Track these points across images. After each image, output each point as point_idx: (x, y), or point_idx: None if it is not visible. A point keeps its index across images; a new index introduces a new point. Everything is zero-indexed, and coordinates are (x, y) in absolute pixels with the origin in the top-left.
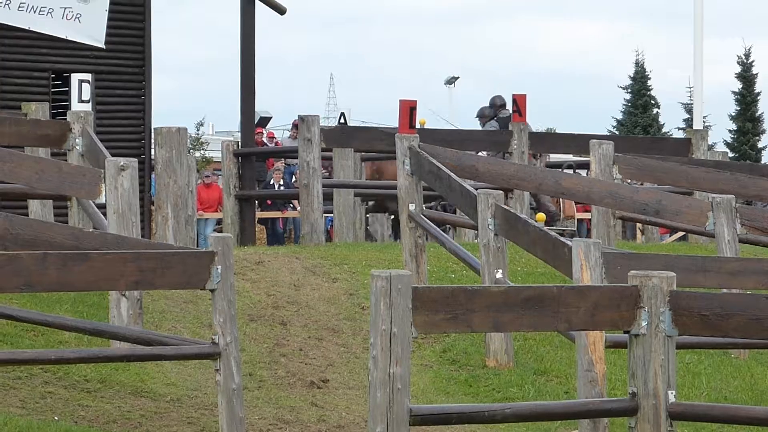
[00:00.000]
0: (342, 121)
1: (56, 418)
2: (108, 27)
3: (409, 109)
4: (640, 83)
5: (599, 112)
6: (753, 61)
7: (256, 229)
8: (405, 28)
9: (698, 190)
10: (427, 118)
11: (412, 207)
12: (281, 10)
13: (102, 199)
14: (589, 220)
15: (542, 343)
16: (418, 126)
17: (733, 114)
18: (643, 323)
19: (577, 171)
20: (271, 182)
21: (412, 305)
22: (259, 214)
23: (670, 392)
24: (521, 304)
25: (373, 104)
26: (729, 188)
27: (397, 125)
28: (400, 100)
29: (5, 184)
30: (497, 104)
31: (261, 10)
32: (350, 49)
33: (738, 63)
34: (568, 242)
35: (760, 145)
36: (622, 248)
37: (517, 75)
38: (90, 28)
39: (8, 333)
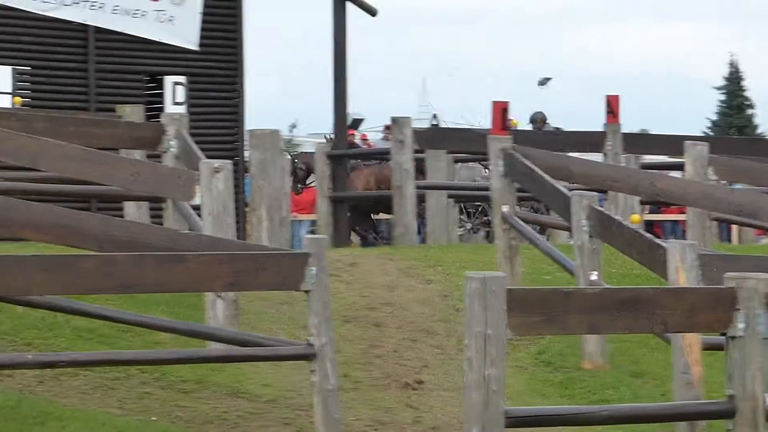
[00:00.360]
0: (434, 122)
1: (154, 418)
2: (201, 29)
3: (501, 111)
4: (734, 84)
5: (693, 114)
6: None
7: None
8: (497, 29)
9: None
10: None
11: (505, 209)
12: (373, 12)
13: (197, 201)
14: (685, 221)
15: (638, 345)
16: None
17: None
18: (740, 325)
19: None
20: None
21: (507, 307)
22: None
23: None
24: (616, 306)
25: (465, 106)
26: None
27: (489, 126)
28: (492, 102)
29: (101, 186)
30: (539, 119)
31: (352, 12)
32: (442, 50)
33: None
34: (664, 244)
35: None
36: (717, 250)
37: (610, 76)
38: (184, 30)
39: (106, 334)
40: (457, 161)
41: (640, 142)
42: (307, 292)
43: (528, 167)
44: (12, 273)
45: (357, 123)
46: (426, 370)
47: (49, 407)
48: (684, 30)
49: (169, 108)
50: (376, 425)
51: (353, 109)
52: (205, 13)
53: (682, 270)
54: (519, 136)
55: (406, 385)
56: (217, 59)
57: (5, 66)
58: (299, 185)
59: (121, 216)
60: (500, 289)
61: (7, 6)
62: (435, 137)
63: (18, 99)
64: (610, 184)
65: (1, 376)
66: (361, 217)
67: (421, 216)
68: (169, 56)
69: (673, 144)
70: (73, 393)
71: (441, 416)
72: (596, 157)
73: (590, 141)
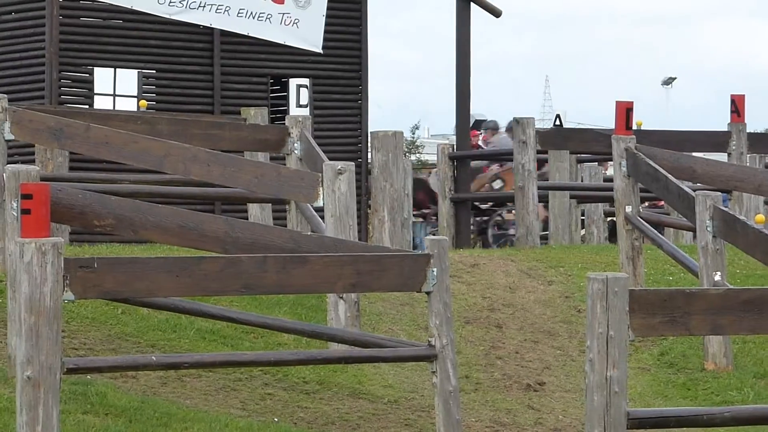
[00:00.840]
0: (557, 123)
1: (276, 419)
2: (325, 32)
3: (625, 110)
4: None
5: None
6: None
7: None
8: (621, 29)
9: None
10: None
11: (628, 209)
12: (496, 13)
13: (320, 203)
14: None
15: (763, 345)
16: (634, 127)
17: None
18: None
19: None
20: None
21: (629, 308)
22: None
23: None
24: (741, 307)
25: (588, 106)
26: None
27: (613, 127)
28: (616, 102)
29: (225, 188)
30: (490, 128)
31: (476, 13)
32: (565, 50)
33: None
34: None
35: None
36: None
37: (734, 75)
38: (308, 33)
39: (229, 335)
40: (580, 161)
41: (765, 141)
42: (428, 293)
43: (652, 167)
44: (137, 275)
45: (480, 124)
46: (547, 372)
47: (173, 408)
48: None
49: (293, 110)
50: (496, 426)
51: (476, 110)
52: (328, 16)
53: None
54: (643, 136)
55: (527, 387)
56: (341, 61)
57: (131, 69)
58: (423, 210)
59: (245, 218)
60: (622, 290)
61: (134, 10)
62: (557, 138)
63: (144, 102)
64: (735, 184)
65: (125, 378)
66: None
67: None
68: (294, 59)
69: None
70: (197, 394)
71: (562, 418)
72: (720, 157)
73: (714, 141)
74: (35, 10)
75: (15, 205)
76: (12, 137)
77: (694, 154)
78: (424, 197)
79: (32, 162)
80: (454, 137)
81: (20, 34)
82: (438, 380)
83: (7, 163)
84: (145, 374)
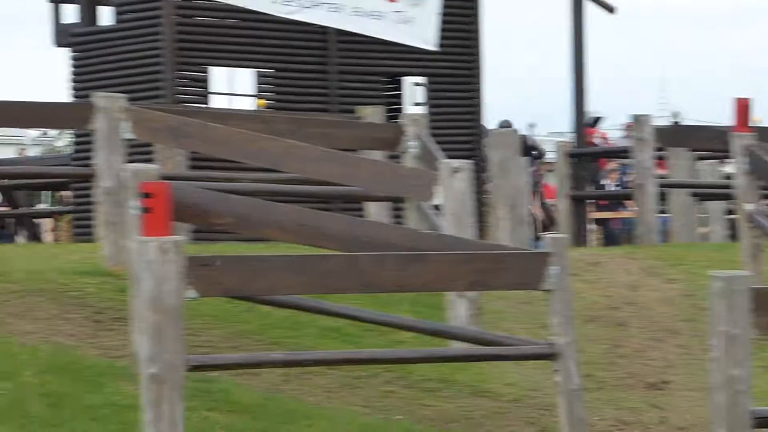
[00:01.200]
0: (675, 120)
1: (398, 417)
2: (439, 29)
3: (744, 107)
4: None
5: None
6: None
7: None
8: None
9: None
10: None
11: (749, 207)
12: (611, 9)
13: (437, 201)
14: None
15: None
16: (753, 124)
17: None
18: None
19: None
20: (602, 182)
21: (752, 306)
22: (595, 215)
23: None
24: None
25: (706, 103)
26: None
27: (731, 124)
28: (735, 98)
29: (343, 186)
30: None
31: (590, 10)
32: (682, 46)
33: None
34: None
35: None
36: None
37: None
38: (422, 31)
39: (350, 333)
40: (698, 159)
41: None
42: (548, 291)
43: None
44: (258, 273)
45: (596, 121)
46: (671, 370)
47: (296, 405)
48: None
49: (409, 109)
50: (620, 425)
51: (592, 107)
52: (442, 14)
53: None
54: (763, 133)
55: (650, 385)
56: (456, 59)
57: (248, 69)
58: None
59: (363, 216)
60: (745, 288)
61: (249, 9)
62: (676, 135)
63: (261, 101)
64: None
65: (248, 375)
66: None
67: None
68: (409, 57)
69: None
70: (319, 391)
71: (688, 417)
72: None
73: None
74: (151, 10)
75: (136, 203)
76: (131, 136)
77: None
78: None
79: (151, 161)
80: (571, 135)
81: (137, 34)
82: (560, 379)
83: (127, 162)
84: (267, 371)
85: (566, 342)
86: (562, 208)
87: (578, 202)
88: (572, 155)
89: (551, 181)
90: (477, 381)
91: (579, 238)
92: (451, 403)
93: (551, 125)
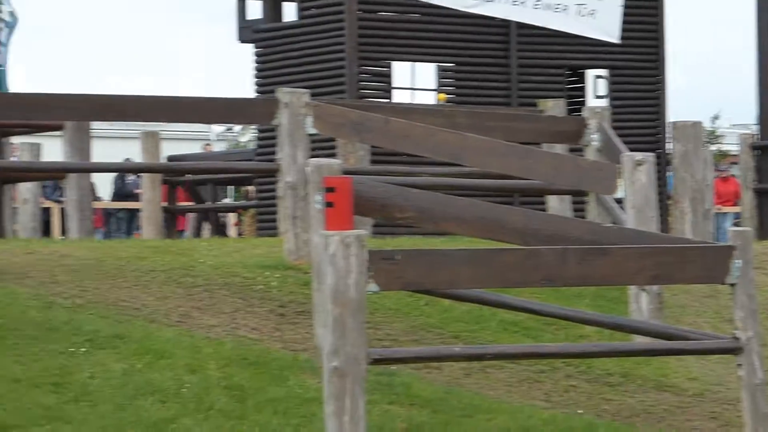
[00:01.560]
0: None
1: (580, 411)
2: (622, 21)
3: None
4: None
5: None
6: None
7: None
8: None
9: None
10: None
11: None
12: None
13: (619, 194)
14: None
15: None
16: None
17: None
18: None
19: None
20: None
21: None
22: None
23: None
24: None
25: None
26: None
27: None
28: None
29: (523, 180)
30: None
31: None
32: None
33: None
34: None
35: None
36: None
37: None
38: (604, 23)
39: (531, 327)
40: None
41: None
42: (732, 285)
43: None
44: (439, 267)
45: None
46: None
47: (476, 399)
48: None
49: (591, 101)
50: None
51: None
52: (625, 5)
53: None
54: None
55: None
56: (639, 51)
57: (430, 63)
58: None
59: (543, 210)
60: None
61: (431, 4)
62: None
63: (442, 95)
64: None
65: (429, 369)
66: None
67: None
68: (591, 49)
69: None
70: (500, 385)
71: None
72: None
73: None
74: (334, 5)
75: (319, 198)
76: (314, 131)
77: None
78: None
79: (334, 156)
80: (756, 127)
81: (320, 29)
82: (744, 373)
83: (311, 157)
84: (448, 365)
85: (750, 336)
86: (746, 201)
87: (763, 195)
88: (756, 147)
89: (735, 173)
90: (660, 375)
91: (764, 231)
92: (633, 397)
93: (738, 117)
